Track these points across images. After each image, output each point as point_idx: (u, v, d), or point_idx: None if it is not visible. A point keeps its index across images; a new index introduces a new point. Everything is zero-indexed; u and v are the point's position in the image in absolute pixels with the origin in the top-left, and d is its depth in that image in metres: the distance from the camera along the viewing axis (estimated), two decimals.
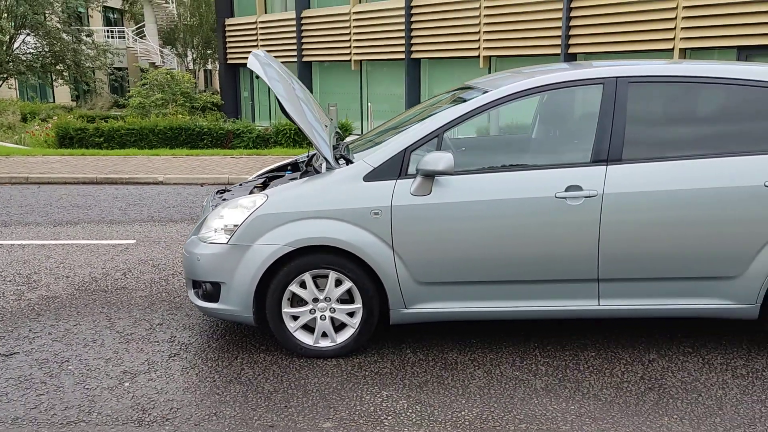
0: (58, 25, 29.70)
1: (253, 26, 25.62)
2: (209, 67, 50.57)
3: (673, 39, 13.69)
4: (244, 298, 4.14)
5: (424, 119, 4.33)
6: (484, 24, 17.28)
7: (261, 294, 4.19)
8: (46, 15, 29.10)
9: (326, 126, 4.60)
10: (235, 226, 4.15)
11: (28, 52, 29.40)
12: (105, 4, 45.36)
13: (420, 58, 19.40)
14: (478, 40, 17.54)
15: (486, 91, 4.22)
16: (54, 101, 34.65)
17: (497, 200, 4.02)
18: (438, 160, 3.90)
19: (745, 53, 13.02)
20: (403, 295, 4.15)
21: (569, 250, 4.05)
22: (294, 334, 4.23)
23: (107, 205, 9.29)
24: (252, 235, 4.10)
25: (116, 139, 15.95)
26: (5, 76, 28.39)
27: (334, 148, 4.72)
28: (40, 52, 29.55)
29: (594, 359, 4.21)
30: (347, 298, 4.22)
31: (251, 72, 27.30)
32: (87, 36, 31.97)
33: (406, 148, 4.10)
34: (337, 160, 4.35)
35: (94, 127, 16.21)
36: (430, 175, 4.01)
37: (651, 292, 4.15)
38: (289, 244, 4.06)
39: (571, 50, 15.63)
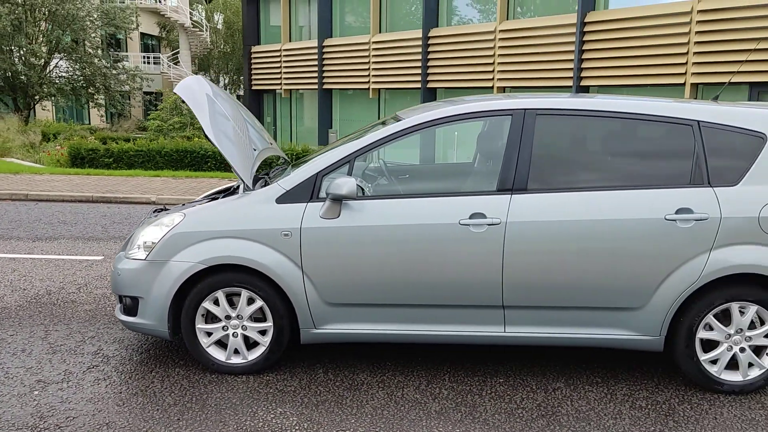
0: (90, 50, 30.69)
1: (278, 54, 26.22)
2: (241, 92, 51.67)
3: (685, 74, 13.69)
4: (160, 312, 4.28)
5: (339, 145, 4.47)
6: (499, 55, 17.46)
7: (178, 309, 4.33)
8: (82, 41, 30.11)
9: (255, 150, 4.76)
10: (153, 243, 4.30)
11: (60, 75, 30.42)
12: (142, 31, 46.96)
13: (436, 88, 19.63)
14: (492, 71, 17.72)
15: (400, 120, 4.35)
16: (89, 123, 35.58)
17: (402, 225, 4.12)
18: (342, 185, 4.03)
19: (758, 89, 12.96)
20: (312, 315, 4.25)
21: (474, 276, 4.12)
22: (207, 349, 4.35)
23: (92, 222, 9.56)
24: (168, 252, 4.26)
25: (125, 160, 16.36)
26: (37, 98, 29.33)
27: (266, 173, 4.87)
28: (71, 75, 30.55)
29: (500, 385, 4.25)
30: (260, 317, 4.33)
31: (275, 98, 27.94)
32: (116, 61, 32.93)
33: (318, 172, 4.23)
34: (256, 182, 4.49)
35: (104, 148, 16.65)
36: (337, 199, 4.13)
37: (556, 320, 4.19)
38: (202, 261, 4.20)
39: (584, 82, 15.73)
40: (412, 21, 20.57)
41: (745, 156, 4.10)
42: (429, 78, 19.62)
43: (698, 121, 4.14)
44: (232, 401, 3.98)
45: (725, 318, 4.14)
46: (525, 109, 4.22)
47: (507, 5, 17.57)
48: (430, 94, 19.72)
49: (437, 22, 19.62)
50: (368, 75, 21.64)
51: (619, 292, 4.08)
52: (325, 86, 23.61)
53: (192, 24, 47.07)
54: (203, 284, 4.26)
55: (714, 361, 4.19)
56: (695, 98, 13.52)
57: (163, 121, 23.90)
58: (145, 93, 40.45)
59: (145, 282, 4.29)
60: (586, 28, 15.40)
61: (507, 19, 17.66)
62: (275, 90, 27.28)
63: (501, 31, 17.39)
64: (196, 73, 47.87)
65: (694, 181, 4.08)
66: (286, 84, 25.97)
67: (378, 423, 3.74)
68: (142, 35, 48.33)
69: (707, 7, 13.15)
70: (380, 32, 21.47)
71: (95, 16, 30.06)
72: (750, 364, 4.17)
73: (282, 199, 4.22)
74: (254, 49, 27.89)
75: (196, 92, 4.47)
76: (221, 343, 4.38)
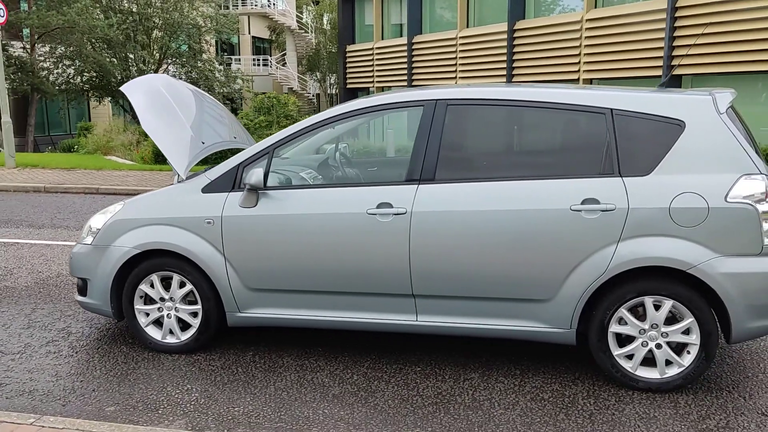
0: (197, 55, 32.43)
1: (370, 52, 26.70)
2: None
3: None
4: (104, 293, 4.65)
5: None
6: (585, 46, 16.98)
7: (121, 291, 4.68)
8: (198, 47, 31.94)
9: (203, 143, 5.03)
10: (98, 229, 4.67)
11: None
12: (254, 35, 49.18)
13: (522, 82, 19.38)
14: (578, 62, 17.28)
15: None
16: None
17: (314, 214, 4.26)
18: (252, 175, 4.23)
19: None
20: (235, 299, 4.47)
21: (383, 265, 4.20)
22: (145, 329, 4.67)
23: None
24: (109, 237, 4.61)
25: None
26: None
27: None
28: (177, 77, 32.44)
29: (414, 373, 4.30)
30: (193, 300, 4.60)
31: (368, 95, 28.63)
32: (227, 65, 34.61)
33: (240, 163, 4.44)
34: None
35: None
36: (253, 189, 4.33)
37: (467, 310, 4.19)
38: (137, 246, 4.52)
39: (676, 71, 15.01)
40: (500, 14, 20.35)
41: (661, 145, 3.94)
42: (514, 72, 19.37)
43: (611, 109, 4.01)
44: (152, 377, 4.27)
45: (643, 313, 4.00)
46: (436, 100, 4.25)
47: None
48: None
49: (524, 14, 19.34)
50: (455, 71, 21.66)
51: (527, 283, 4.04)
52: (414, 83, 23.80)
53: (298, 26, 48.74)
54: (140, 268, 4.58)
55: (630, 357, 4.06)
56: None
57: (249, 120, 24.93)
58: (255, 94, 42.28)
59: (92, 265, 4.66)
60: (678, 14, 14.57)
61: (595, 7, 17.14)
62: (368, 88, 27.77)
63: (588, 20, 16.89)
64: (303, 74, 49.56)
65: (604, 171, 3.97)
66: (378, 82, 26.37)
67: (270, 403, 3.91)
68: (254, 38, 50.55)
69: None
70: (467, 27, 21.44)
71: (201, 23, 31.74)
72: (668, 362, 4.01)
73: (207, 189, 4.47)
74: (349, 48, 28.50)
75: (140, 89, 4.81)
76: (160, 324, 4.69)
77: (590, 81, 17.42)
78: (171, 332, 4.65)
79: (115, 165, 16.38)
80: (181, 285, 4.56)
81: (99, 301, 4.68)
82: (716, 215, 3.80)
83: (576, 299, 3.99)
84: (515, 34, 19.19)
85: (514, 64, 19.29)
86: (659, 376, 4.02)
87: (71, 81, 28.50)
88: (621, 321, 4.02)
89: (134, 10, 29.02)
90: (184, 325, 4.65)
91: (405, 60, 24.17)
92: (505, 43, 19.38)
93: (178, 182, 4.65)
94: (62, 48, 27.15)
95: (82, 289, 4.79)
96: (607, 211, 3.89)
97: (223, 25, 33.19)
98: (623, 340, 4.08)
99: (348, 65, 28.64)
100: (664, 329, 3.97)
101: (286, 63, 48.51)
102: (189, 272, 4.50)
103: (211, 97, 5.91)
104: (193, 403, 3.92)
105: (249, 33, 49.21)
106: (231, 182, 4.44)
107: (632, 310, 4.02)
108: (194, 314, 4.59)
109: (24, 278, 6.49)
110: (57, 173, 14.36)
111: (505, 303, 4.12)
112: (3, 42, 26.97)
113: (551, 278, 4.00)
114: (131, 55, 29.07)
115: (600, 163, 3.99)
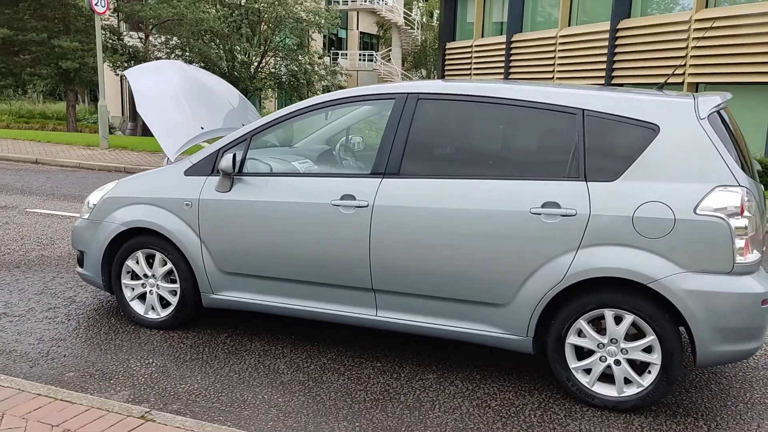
0: (298, 49, 33.32)
1: (469, 50, 26.53)
2: None
3: None
4: (96, 266, 4.89)
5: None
6: (692, 48, 16.18)
7: (111, 265, 4.90)
8: (306, 40, 32.93)
9: (203, 128, 5.17)
10: (94, 205, 4.92)
11: (271, 71, 33.46)
12: (362, 30, 50.03)
13: (621, 84, 18.66)
14: (684, 65, 16.48)
15: None
16: None
17: (282, 202, 4.30)
18: (223, 160, 4.32)
19: None
20: (209, 281, 4.59)
21: (344, 257, 4.18)
22: (130, 303, 4.87)
23: None
24: (102, 214, 4.84)
25: None
26: (251, 92, 32.53)
27: None
28: (278, 71, 33.45)
29: (372, 369, 4.25)
30: (174, 278, 4.76)
31: None
32: (319, 58, 35.36)
33: (219, 149, 4.55)
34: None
35: None
36: (227, 174, 4.42)
37: (425, 309, 4.11)
38: (124, 224, 4.72)
39: (668, 80, 14.05)
40: (604, 12, 19.66)
41: (632, 149, 3.70)
42: (614, 74, 18.70)
43: (583, 110, 3.81)
44: (122, 348, 4.45)
45: (604, 326, 3.78)
46: (407, 93, 4.18)
47: None
48: None
49: (629, 12, 18.60)
50: (553, 70, 21.16)
51: (483, 286, 3.90)
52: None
53: (405, 22, 49.08)
54: (128, 244, 4.78)
55: (588, 371, 3.85)
56: None
57: None
58: None
59: (87, 238, 4.92)
60: None
61: (705, 7, 16.25)
62: None
63: (697, 20, 16.06)
64: (407, 71, 49.91)
65: (570, 174, 3.77)
66: (474, 80, 26.15)
67: (216, 383, 3.99)
68: (361, 34, 51.36)
69: None
70: (568, 26, 20.87)
71: (304, 16, 32.53)
72: (627, 380, 3.77)
73: (189, 172, 4.60)
74: (448, 45, 28.40)
75: (144, 74, 5.01)
76: (143, 299, 4.87)
77: (696, 86, 16.54)
78: (153, 308, 4.82)
79: None
80: (163, 263, 4.72)
81: (92, 273, 4.93)
82: (683, 228, 3.53)
83: (533, 306, 3.82)
84: (618, 34, 18.48)
85: (615, 65, 18.62)
86: (617, 394, 3.78)
87: None
88: (580, 333, 3.82)
89: (242, 3, 30.12)
90: (164, 303, 4.81)
91: (503, 59, 23.82)
92: (606, 43, 18.72)
93: (167, 164, 4.81)
94: (176, 39, 28.61)
95: (80, 261, 5.05)
96: (567, 216, 3.70)
97: (325, 19, 33.83)
98: (584, 353, 3.87)
99: (446, 63, 28.53)
100: (624, 345, 3.73)
101: (390, 59, 48.94)
102: (169, 251, 4.65)
103: (227, 83, 6.06)
104: (146, 376, 4.05)
105: (357, 28, 49.96)
106: (210, 167, 4.55)
107: (593, 323, 3.81)
108: (173, 293, 4.74)
109: (61, 249, 6.91)
110: (142, 155, 15.15)
111: (463, 305, 4.00)
112: (122, 32, 28.85)
113: (508, 282, 3.85)
114: (237, 47, 30.17)
115: (566, 166, 3.79)
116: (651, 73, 17.38)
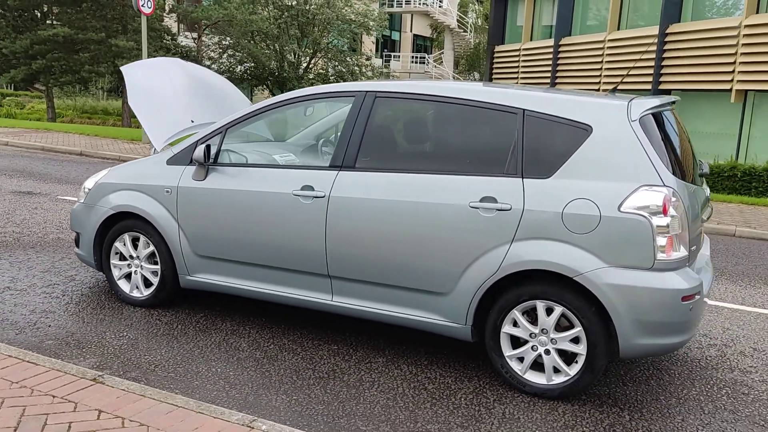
0: (344, 49, 33.83)
1: (517, 53, 26.54)
2: None
3: None
4: (89, 247, 5.29)
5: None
6: (741, 54, 15.94)
7: (101, 246, 5.30)
8: (357, 41, 33.49)
9: (193, 121, 5.53)
10: (88, 189, 5.32)
11: (318, 72, 34.07)
12: (416, 33, 50.35)
13: (669, 90, 18.46)
14: (733, 71, 16.26)
15: None
16: None
17: (248, 191, 4.60)
18: (197, 151, 4.66)
19: None
20: (186, 263, 4.92)
21: (303, 244, 4.45)
22: (117, 282, 5.25)
23: None
24: (95, 198, 5.24)
25: None
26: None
27: None
28: (325, 72, 34.01)
29: (326, 351, 4.51)
30: (156, 260, 5.11)
31: None
32: (367, 59, 35.79)
33: (198, 140, 4.88)
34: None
35: None
36: (202, 163, 4.75)
37: (376, 296, 4.34)
38: (112, 208, 5.11)
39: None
40: (653, 16, 19.43)
41: (566, 148, 3.87)
42: (662, 79, 18.50)
43: (524, 110, 3.99)
44: (103, 322, 4.83)
45: (536, 317, 3.96)
46: (366, 92, 4.43)
47: None
48: None
49: (679, 16, 18.37)
50: (600, 75, 21.03)
51: (427, 275, 4.12)
52: (557, 85, 23.33)
53: (458, 25, 49.12)
54: (116, 227, 5.16)
55: (521, 359, 4.02)
56: None
57: None
58: None
59: (82, 220, 5.32)
60: None
61: (756, 12, 15.99)
62: None
63: (747, 26, 15.82)
64: (459, 74, 49.95)
65: (508, 171, 3.96)
66: (521, 84, 26.12)
67: (177, 356, 4.31)
68: (415, 36, 51.70)
69: None
70: (618, 29, 20.71)
71: (353, 18, 33.02)
72: (556, 369, 3.93)
73: (171, 161, 4.95)
74: (497, 48, 28.41)
75: (140, 69, 5.40)
76: (129, 278, 5.25)
77: (744, 92, 16.26)
78: (137, 287, 5.19)
79: None
80: (146, 246, 5.08)
81: (86, 253, 5.33)
82: (608, 224, 3.68)
83: (471, 295, 4.02)
84: (666, 38, 18.26)
85: (662, 70, 18.42)
86: (546, 382, 3.95)
87: (232, 70, 30.85)
88: (515, 323, 4.00)
89: (293, 5, 30.78)
90: (148, 283, 5.18)
91: (550, 62, 23.74)
92: (654, 47, 18.51)
93: (154, 153, 5.18)
94: (229, 39, 29.49)
95: (77, 242, 5.47)
96: (502, 210, 3.89)
97: (374, 21, 34.18)
98: (519, 342, 4.05)
99: (494, 66, 28.53)
100: (553, 335, 3.89)
101: (442, 62, 49.05)
102: (152, 235, 5.01)
103: (228, 82, 6.41)
104: (115, 347, 4.41)
105: (410, 31, 50.31)
106: (189, 156, 4.89)
107: (527, 314, 3.98)
108: (155, 273, 5.09)
109: (59, 233, 7.35)
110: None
111: (409, 293, 4.23)
112: (174, 33, 29.85)
113: (449, 272, 4.06)
114: (286, 47, 30.87)
115: (506, 163, 3.98)
116: (699, 78, 17.14)
